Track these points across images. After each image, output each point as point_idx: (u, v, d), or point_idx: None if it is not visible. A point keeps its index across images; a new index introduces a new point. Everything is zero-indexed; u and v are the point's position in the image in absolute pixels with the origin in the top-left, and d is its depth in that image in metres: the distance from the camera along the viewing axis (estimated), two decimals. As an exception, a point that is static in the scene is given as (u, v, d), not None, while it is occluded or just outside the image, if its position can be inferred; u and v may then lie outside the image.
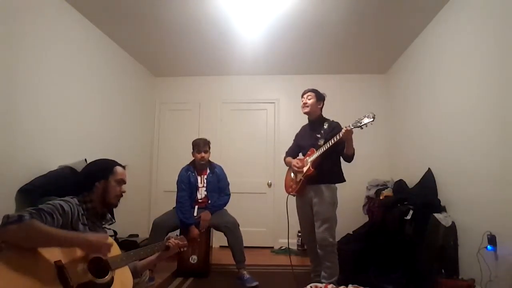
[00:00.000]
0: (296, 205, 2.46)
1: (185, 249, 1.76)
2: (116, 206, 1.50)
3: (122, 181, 1.51)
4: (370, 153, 3.92)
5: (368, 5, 2.57)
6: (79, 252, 1.23)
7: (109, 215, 1.53)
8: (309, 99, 2.37)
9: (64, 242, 1.16)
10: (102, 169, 1.48)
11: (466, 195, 2.26)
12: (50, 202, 1.26)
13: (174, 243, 1.68)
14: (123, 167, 1.55)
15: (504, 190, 1.88)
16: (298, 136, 2.60)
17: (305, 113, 2.43)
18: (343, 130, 2.05)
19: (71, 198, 1.37)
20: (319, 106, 2.41)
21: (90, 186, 1.43)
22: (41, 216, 1.15)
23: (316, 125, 2.40)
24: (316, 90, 2.41)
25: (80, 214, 1.35)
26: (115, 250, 1.39)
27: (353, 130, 2.03)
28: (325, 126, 2.33)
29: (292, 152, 2.56)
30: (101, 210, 1.47)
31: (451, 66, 2.51)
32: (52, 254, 1.13)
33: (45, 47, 2.33)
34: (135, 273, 1.53)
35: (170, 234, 2.38)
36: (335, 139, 2.13)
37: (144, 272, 1.64)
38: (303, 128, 2.59)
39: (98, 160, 1.55)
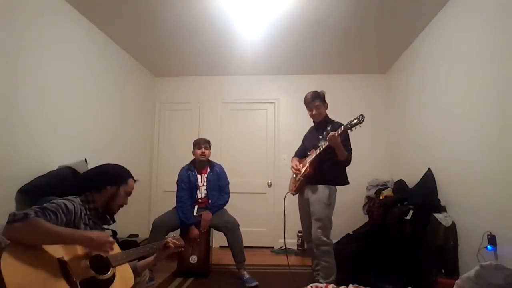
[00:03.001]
0: (298, 204, 2.53)
1: (182, 249, 1.78)
2: (115, 213, 1.54)
3: (129, 194, 1.56)
4: (370, 153, 3.92)
5: (368, 5, 2.57)
6: (80, 250, 1.26)
7: (109, 217, 1.56)
8: (319, 109, 2.38)
9: (67, 239, 1.19)
10: (118, 175, 1.52)
11: (466, 195, 2.26)
12: (54, 201, 1.29)
13: (173, 242, 1.69)
14: (135, 181, 1.59)
15: (504, 190, 1.88)
16: (305, 138, 2.64)
17: (315, 121, 2.48)
18: (329, 136, 2.11)
19: (75, 197, 1.40)
20: (325, 110, 2.44)
21: (100, 187, 1.47)
22: (45, 214, 1.18)
23: (320, 127, 2.44)
24: (319, 95, 2.39)
25: (82, 213, 1.38)
26: (115, 249, 1.42)
27: (339, 135, 2.08)
28: (328, 128, 2.35)
29: (300, 153, 2.60)
30: (102, 212, 1.50)
31: (451, 66, 2.51)
32: (55, 251, 1.17)
33: (45, 47, 2.32)
34: (135, 272, 1.56)
35: (170, 233, 2.39)
36: (324, 145, 2.20)
37: (143, 272, 1.66)
38: (310, 129, 2.64)
39: (116, 165, 1.58)
